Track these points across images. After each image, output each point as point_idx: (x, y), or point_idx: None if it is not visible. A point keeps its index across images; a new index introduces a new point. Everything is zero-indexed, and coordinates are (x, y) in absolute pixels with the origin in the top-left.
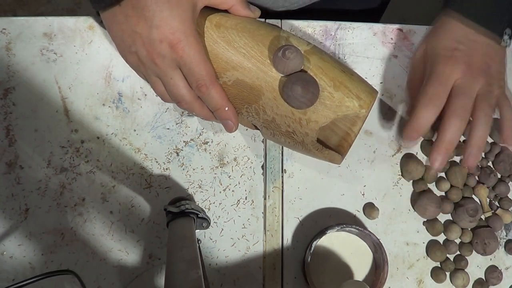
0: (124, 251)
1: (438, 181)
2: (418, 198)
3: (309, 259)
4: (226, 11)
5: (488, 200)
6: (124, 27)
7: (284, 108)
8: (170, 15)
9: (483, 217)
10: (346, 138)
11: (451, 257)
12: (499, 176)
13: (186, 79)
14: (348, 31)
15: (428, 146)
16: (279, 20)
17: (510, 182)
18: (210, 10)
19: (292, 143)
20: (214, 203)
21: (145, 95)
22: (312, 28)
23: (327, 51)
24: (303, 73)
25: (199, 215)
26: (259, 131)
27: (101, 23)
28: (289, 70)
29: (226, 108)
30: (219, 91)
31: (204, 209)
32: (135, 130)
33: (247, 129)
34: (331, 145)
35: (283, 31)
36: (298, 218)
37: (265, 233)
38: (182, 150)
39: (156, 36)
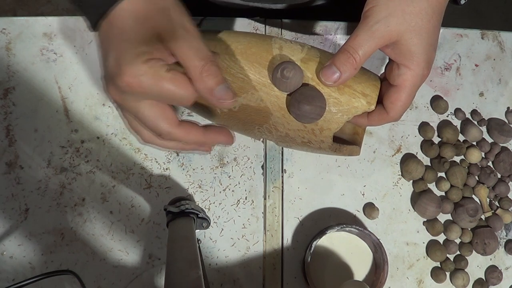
0: (124, 251)
1: (438, 181)
2: (418, 198)
3: (309, 259)
4: (213, 35)
5: (488, 200)
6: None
7: (294, 123)
8: (125, 53)
9: (483, 217)
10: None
11: (451, 257)
12: (499, 176)
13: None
14: (348, 31)
15: (428, 146)
16: (279, 20)
17: (510, 182)
18: None
19: (310, 150)
20: (214, 203)
21: None
22: (312, 28)
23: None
24: (306, 87)
25: (199, 215)
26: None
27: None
28: (291, 88)
29: (205, 138)
30: (186, 130)
31: (204, 209)
32: None
33: None
34: (346, 136)
35: (274, 40)
36: (298, 218)
37: (265, 233)
38: None
39: (110, 72)
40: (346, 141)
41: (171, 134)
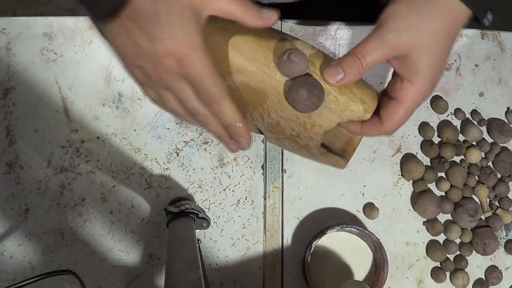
0: (124, 251)
1: (438, 181)
2: (418, 198)
3: (309, 259)
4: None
5: (488, 200)
6: (126, 40)
7: (288, 112)
8: (172, 27)
9: (483, 217)
10: (350, 143)
11: (451, 257)
12: (499, 176)
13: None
14: (348, 31)
15: (428, 146)
16: (280, 21)
17: (510, 182)
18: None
19: (296, 147)
20: (214, 203)
21: (145, 95)
22: (312, 28)
23: (327, 51)
24: (308, 76)
25: (199, 215)
26: (262, 134)
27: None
28: (294, 73)
29: (239, 124)
30: (231, 107)
31: (204, 209)
32: (135, 130)
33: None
34: (335, 150)
35: (287, 35)
36: (298, 218)
37: (265, 233)
38: (182, 150)
39: (160, 50)
40: (335, 153)
41: (205, 117)
